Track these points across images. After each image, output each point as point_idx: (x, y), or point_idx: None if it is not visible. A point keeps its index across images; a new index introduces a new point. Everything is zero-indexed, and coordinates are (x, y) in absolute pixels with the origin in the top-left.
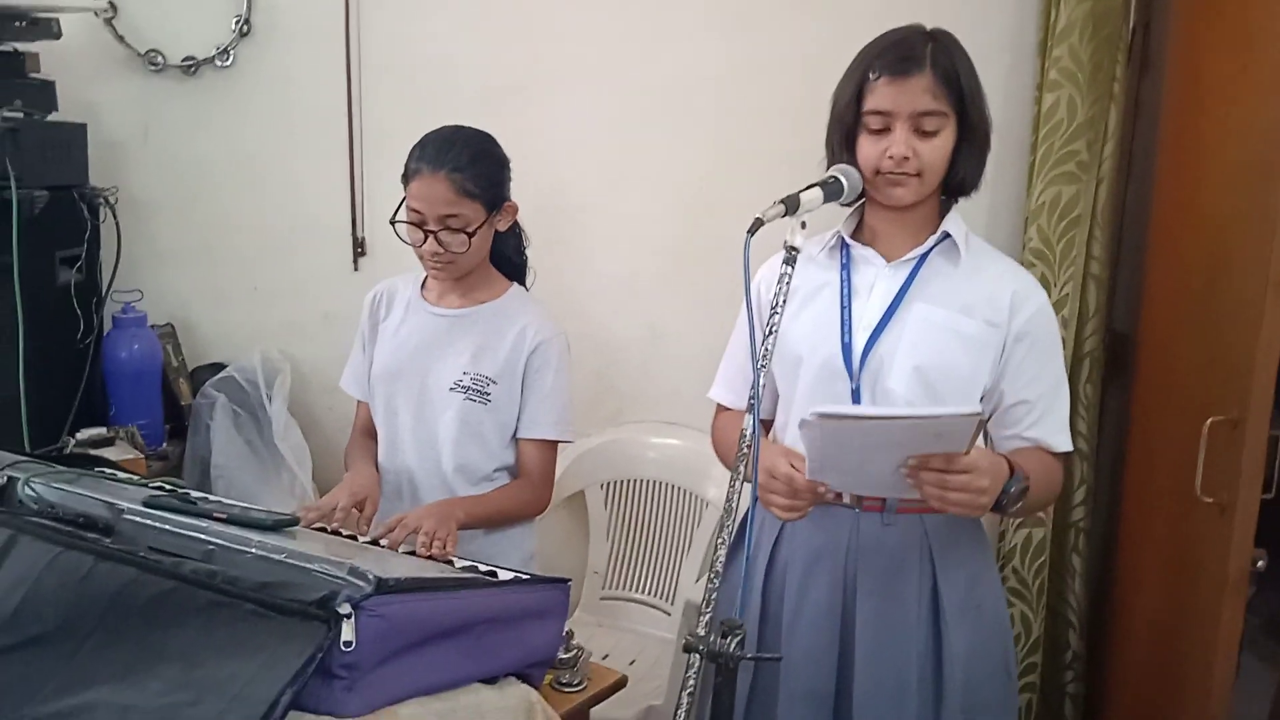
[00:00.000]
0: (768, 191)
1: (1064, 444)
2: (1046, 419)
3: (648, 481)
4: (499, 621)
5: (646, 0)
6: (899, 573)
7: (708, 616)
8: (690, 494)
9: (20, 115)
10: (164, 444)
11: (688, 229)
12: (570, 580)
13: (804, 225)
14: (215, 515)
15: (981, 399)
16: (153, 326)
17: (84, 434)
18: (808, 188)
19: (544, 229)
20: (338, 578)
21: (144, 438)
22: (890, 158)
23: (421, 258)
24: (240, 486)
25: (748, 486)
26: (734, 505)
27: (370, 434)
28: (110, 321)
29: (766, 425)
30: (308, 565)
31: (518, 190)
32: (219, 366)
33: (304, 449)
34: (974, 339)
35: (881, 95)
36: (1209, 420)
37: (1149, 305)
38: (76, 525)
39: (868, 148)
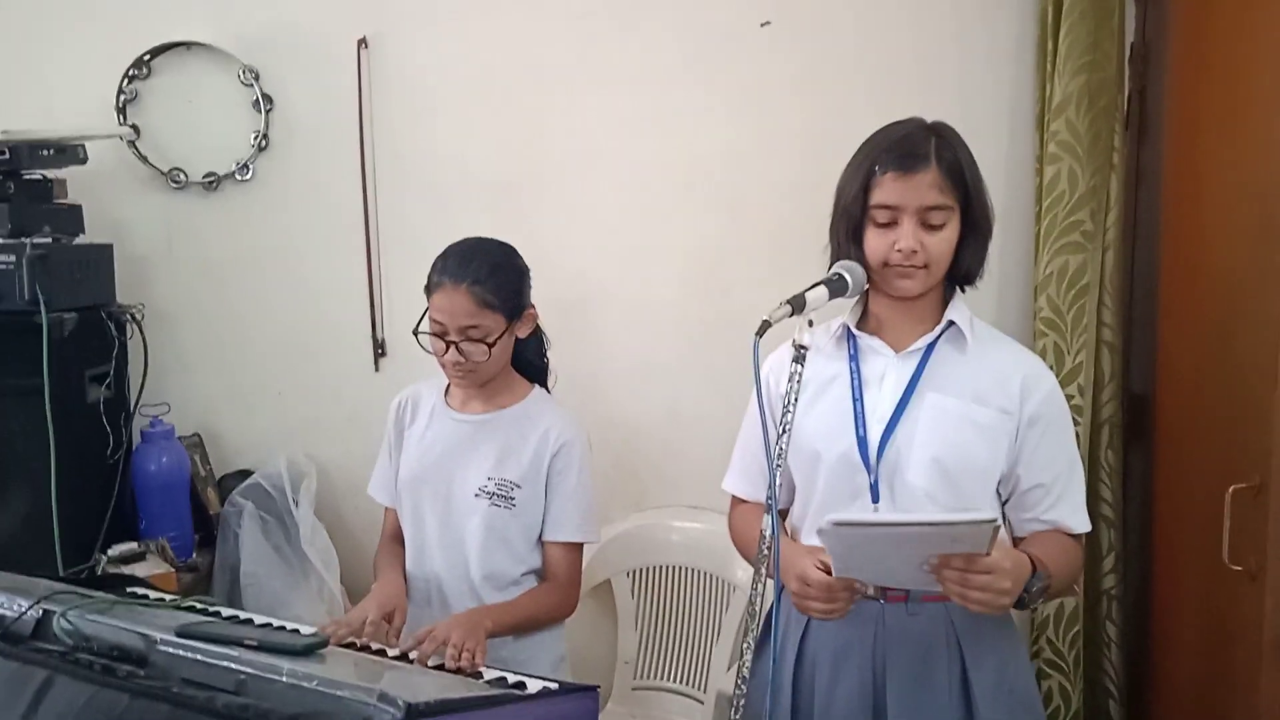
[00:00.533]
0: (778, 268)
1: (1082, 525)
2: (1063, 501)
3: (674, 567)
4: None
5: (651, 84)
6: (927, 661)
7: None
8: (717, 578)
9: (49, 241)
10: (194, 554)
11: (702, 309)
12: (599, 686)
13: (811, 323)
14: (246, 642)
15: (999, 484)
16: (180, 438)
17: (115, 550)
18: (812, 286)
19: (560, 318)
20: (367, 704)
21: (174, 549)
22: (899, 251)
23: (444, 366)
24: (270, 594)
25: (770, 583)
26: (757, 606)
27: (399, 540)
28: (139, 435)
29: (783, 514)
30: (338, 693)
31: (534, 283)
32: (246, 474)
33: (331, 552)
34: (989, 427)
35: (889, 190)
36: (1231, 488)
37: (1164, 369)
38: (111, 659)
39: (875, 241)
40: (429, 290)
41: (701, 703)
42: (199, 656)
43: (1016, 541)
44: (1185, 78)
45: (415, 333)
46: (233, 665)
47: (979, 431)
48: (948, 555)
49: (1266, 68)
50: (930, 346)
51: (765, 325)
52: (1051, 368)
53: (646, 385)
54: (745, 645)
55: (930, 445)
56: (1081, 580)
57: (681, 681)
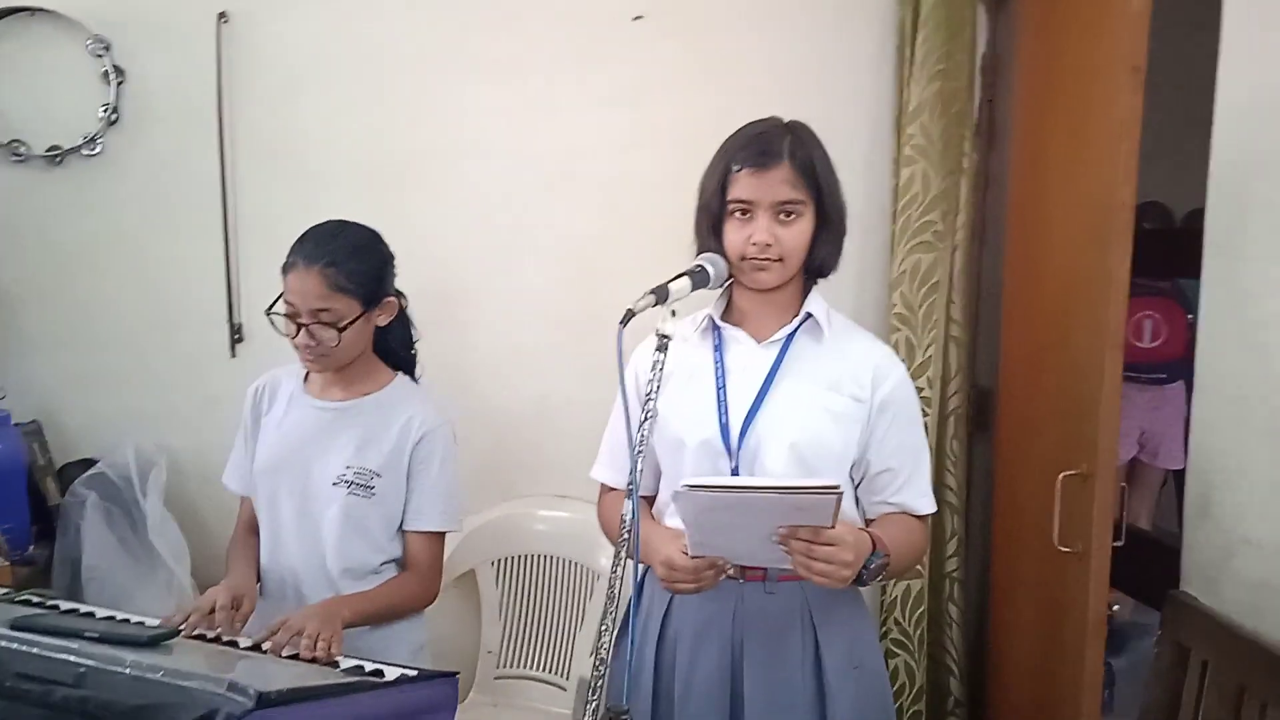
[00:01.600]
0: (652, 261)
1: (926, 507)
2: (910, 485)
3: (538, 556)
4: None
5: (527, 75)
6: (783, 639)
7: (594, 705)
8: (582, 567)
9: None
10: (31, 547)
11: (575, 300)
12: (459, 673)
13: (674, 313)
14: (86, 634)
15: (851, 468)
16: (17, 424)
17: None
18: (676, 277)
19: (431, 308)
20: (216, 694)
21: (9, 542)
22: (754, 244)
23: (296, 349)
24: (114, 587)
25: (630, 567)
26: (617, 589)
27: (253, 531)
28: None
29: (649, 501)
30: (185, 683)
31: (404, 270)
32: (90, 462)
33: (182, 544)
34: (842, 414)
35: (744, 186)
36: (1062, 475)
37: (1006, 364)
38: None
39: (733, 235)
40: (284, 270)
41: (564, 690)
42: (35, 650)
43: (868, 523)
44: (1032, 88)
45: (268, 313)
46: (72, 658)
47: (833, 418)
48: (794, 526)
49: (1108, 81)
50: (790, 337)
51: (629, 314)
52: (904, 361)
53: (516, 375)
54: (604, 627)
55: (788, 432)
56: (927, 563)
57: (545, 670)
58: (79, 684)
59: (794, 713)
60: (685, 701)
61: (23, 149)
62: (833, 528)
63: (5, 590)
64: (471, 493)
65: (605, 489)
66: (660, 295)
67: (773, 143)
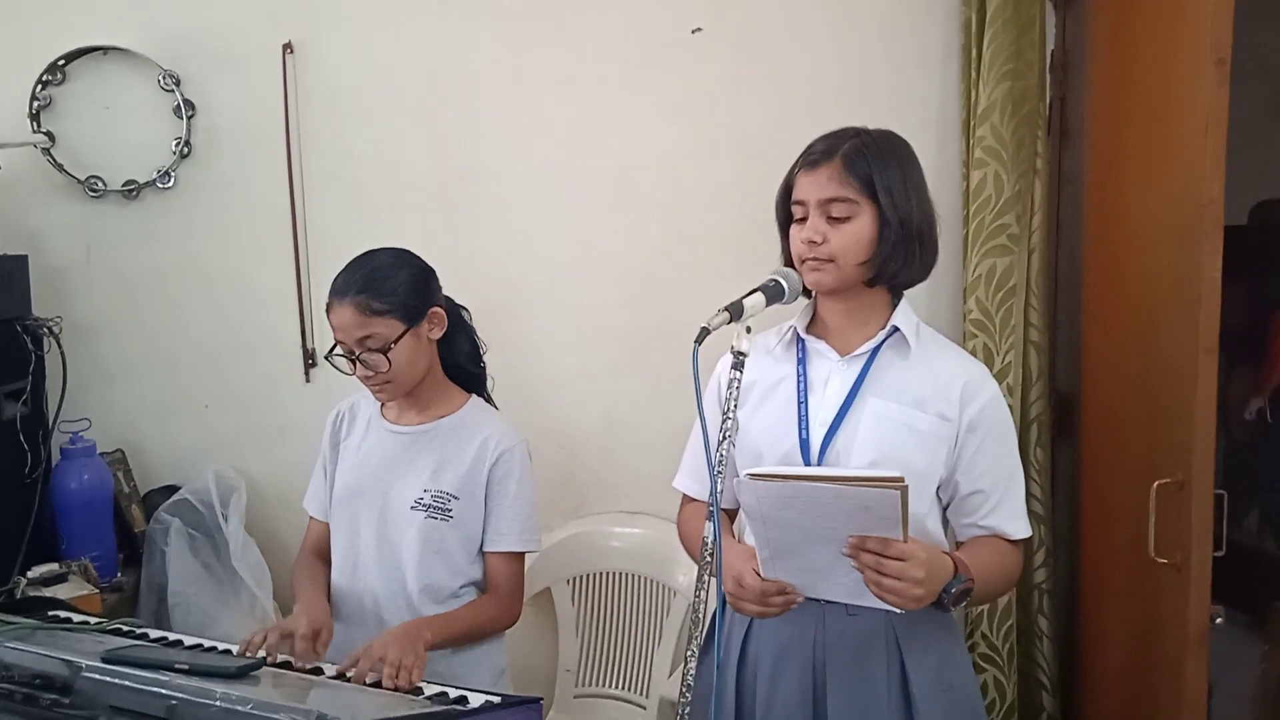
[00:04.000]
0: (713, 273)
1: (1020, 531)
2: (1002, 508)
3: (614, 573)
4: None
5: (585, 89)
6: (866, 661)
7: None
8: (657, 583)
9: None
10: (118, 574)
11: (637, 315)
12: (541, 698)
13: (749, 330)
14: (176, 666)
15: (939, 489)
16: (102, 454)
17: (35, 572)
18: (750, 293)
19: (496, 325)
20: None
21: (97, 569)
22: (803, 242)
23: (363, 383)
24: (199, 612)
25: (714, 586)
26: (700, 612)
27: (321, 556)
28: (59, 453)
29: (730, 516)
30: (274, 715)
31: (467, 290)
32: (172, 489)
33: (263, 568)
34: (927, 434)
35: (799, 186)
36: (1156, 483)
37: (1088, 369)
38: (34, 688)
39: (793, 237)
40: (327, 313)
41: (644, 708)
42: (128, 683)
43: (958, 546)
44: (1106, 85)
45: (327, 357)
46: (163, 691)
47: (917, 437)
48: (863, 536)
49: (1190, 75)
50: (874, 352)
51: (704, 332)
52: None
53: (583, 392)
54: (690, 653)
55: (869, 449)
56: None
57: (624, 688)
58: (170, 717)
59: None
60: None
61: (100, 184)
62: (904, 541)
63: (97, 620)
64: (542, 511)
65: (686, 499)
66: (734, 312)
67: (831, 144)
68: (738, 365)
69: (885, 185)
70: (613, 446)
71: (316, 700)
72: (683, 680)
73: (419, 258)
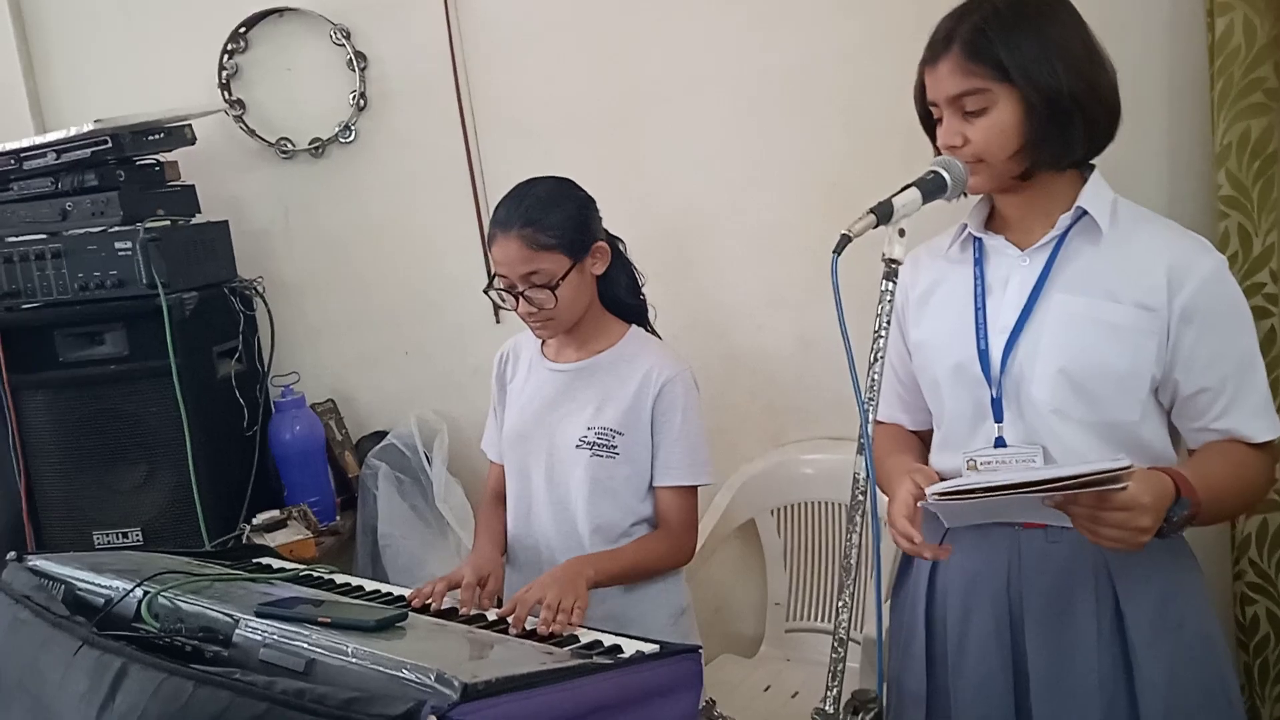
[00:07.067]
0: (910, 175)
1: (1265, 432)
2: (1236, 406)
3: (819, 503)
4: (615, 707)
5: None
6: (1070, 593)
7: (835, 692)
8: None
9: (165, 223)
10: (337, 518)
11: (824, 228)
12: (700, 648)
13: (902, 234)
14: (320, 620)
15: (1157, 391)
16: (313, 405)
17: (259, 519)
18: (903, 189)
19: (675, 251)
20: (425, 685)
21: (316, 514)
22: (945, 148)
23: (522, 319)
24: (406, 554)
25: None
26: (853, 560)
27: (500, 499)
28: (273, 406)
29: (927, 437)
30: (399, 674)
31: (642, 219)
32: (381, 435)
33: (466, 508)
34: (1125, 328)
35: (929, 86)
36: None
37: None
38: (199, 640)
39: (939, 138)
40: (488, 245)
41: (859, 643)
42: (276, 637)
43: (1190, 454)
44: None
45: (486, 290)
46: (304, 646)
47: (1112, 333)
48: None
49: None
50: (1059, 240)
51: (844, 239)
52: (1236, 254)
53: (771, 315)
54: (840, 604)
55: (1055, 355)
56: None
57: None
58: (308, 672)
59: (1087, 678)
60: (960, 664)
61: (289, 145)
62: (1124, 487)
63: (294, 566)
64: (740, 441)
65: (877, 422)
66: (882, 214)
67: (944, 29)
68: (890, 275)
69: (1018, 63)
70: (808, 371)
71: (449, 653)
72: (834, 635)
73: (580, 187)
